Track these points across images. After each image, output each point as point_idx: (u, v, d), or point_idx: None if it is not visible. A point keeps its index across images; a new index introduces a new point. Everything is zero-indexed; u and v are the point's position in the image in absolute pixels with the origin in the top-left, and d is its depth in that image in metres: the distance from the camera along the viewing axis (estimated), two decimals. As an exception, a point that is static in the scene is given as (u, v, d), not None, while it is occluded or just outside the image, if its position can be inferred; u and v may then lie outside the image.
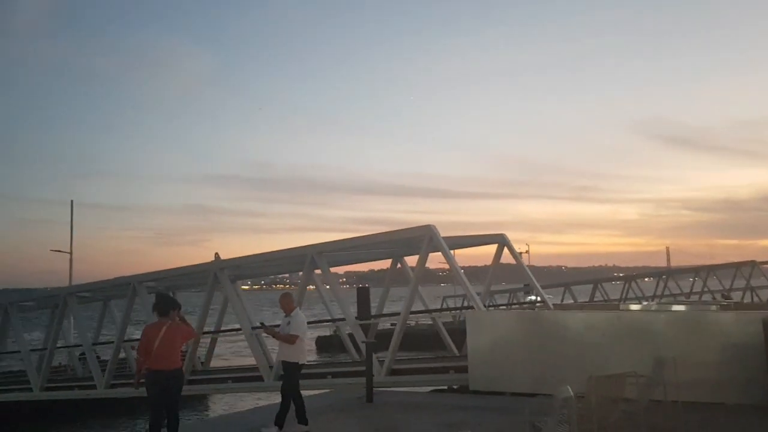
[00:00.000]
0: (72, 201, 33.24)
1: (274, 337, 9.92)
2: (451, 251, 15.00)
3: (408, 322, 14.19)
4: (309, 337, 9.88)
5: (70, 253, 32.23)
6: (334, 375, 13.84)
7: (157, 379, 7.51)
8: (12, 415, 20.72)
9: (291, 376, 9.21)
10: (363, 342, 11.59)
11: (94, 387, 16.85)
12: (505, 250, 15.57)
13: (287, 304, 9.40)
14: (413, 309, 14.46)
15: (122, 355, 19.88)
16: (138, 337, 9.75)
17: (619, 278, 44.30)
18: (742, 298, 36.06)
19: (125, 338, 17.44)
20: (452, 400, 11.68)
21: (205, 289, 15.80)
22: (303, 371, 9.43)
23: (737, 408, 9.26)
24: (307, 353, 9.50)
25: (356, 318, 14.36)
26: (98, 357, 18.32)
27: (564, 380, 10.02)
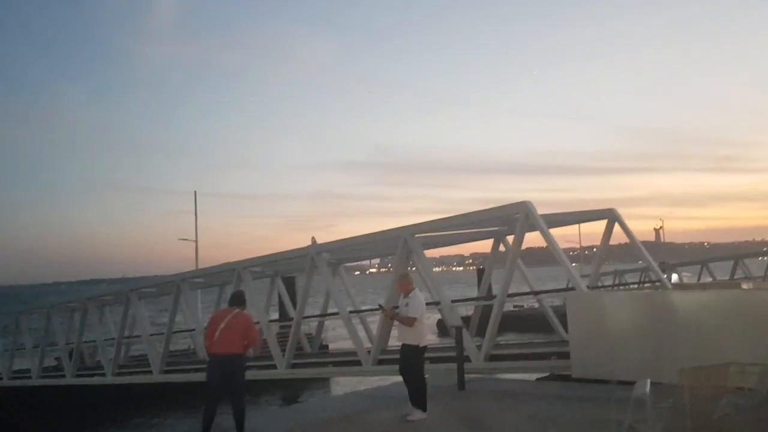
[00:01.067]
0: (195, 192, 34.70)
1: (392, 319, 9.66)
2: (554, 228, 14.18)
3: (519, 305, 13.45)
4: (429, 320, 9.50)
5: (196, 241, 33.72)
6: (432, 360, 13.34)
7: (214, 364, 7.41)
8: (135, 397, 21.90)
9: (411, 359, 8.86)
10: (452, 327, 11.00)
11: (275, 367, 15.75)
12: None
13: (405, 285, 9.03)
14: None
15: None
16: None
17: (765, 253, 40.49)
18: None
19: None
20: (550, 388, 10.87)
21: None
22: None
23: None
24: (427, 335, 9.08)
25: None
26: None
27: (674, 366, 9.25)
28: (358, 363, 14.10)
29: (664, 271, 47.08)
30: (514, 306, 40.66)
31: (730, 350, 8.36)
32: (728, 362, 6.18)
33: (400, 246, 13.59)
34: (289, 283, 27.25)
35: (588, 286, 13.52)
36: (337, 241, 15.29)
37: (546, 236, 11.80)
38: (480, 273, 15.71)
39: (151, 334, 19.55)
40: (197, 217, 34.11)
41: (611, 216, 14.26)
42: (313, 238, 15.33)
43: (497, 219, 13.37)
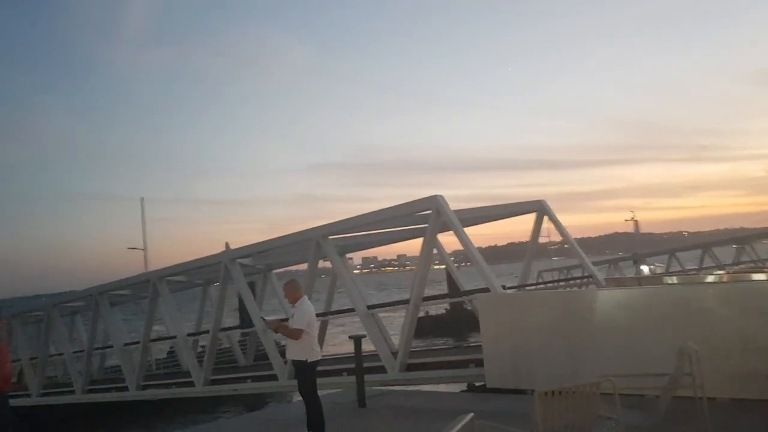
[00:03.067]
0: (142, 199, 33.54)
1: (276, 331, 8.60)
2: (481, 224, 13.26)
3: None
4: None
5: (144, 249, 32.51)
6: (350, 372, 12.27)
7: None
8: (112, 413, 19.30)
9: (301, 376, 7.81)
10: (351, 337, 9.94)
11: (192, 384, 14.82)
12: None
13: (292, 293, 7.96)
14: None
15: (226, 344, 19.08)
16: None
17: (732, 241, 39.78)
18: None
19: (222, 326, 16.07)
20: (462, 402, 9.81)
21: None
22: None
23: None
24: (317, 348, 7.96)
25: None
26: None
27: (595, 374, 8.29)
28: (275, 378, 13.04)
29: (635, 262, 46.73)
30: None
31: (655, 355, 7.46)
32: (602, 377, 5.15)
33: (312, 249, 12.54)
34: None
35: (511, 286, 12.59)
36: (251, 245, 14.15)
37: (458, 232, 10.78)
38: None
39: (127, 344, 17.45)
40: (144, 225, 32.92)
41: (540, 208, 13.28)
42: (226, 243, 14.21)
43: (418, 216, 12.30)
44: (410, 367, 11.22)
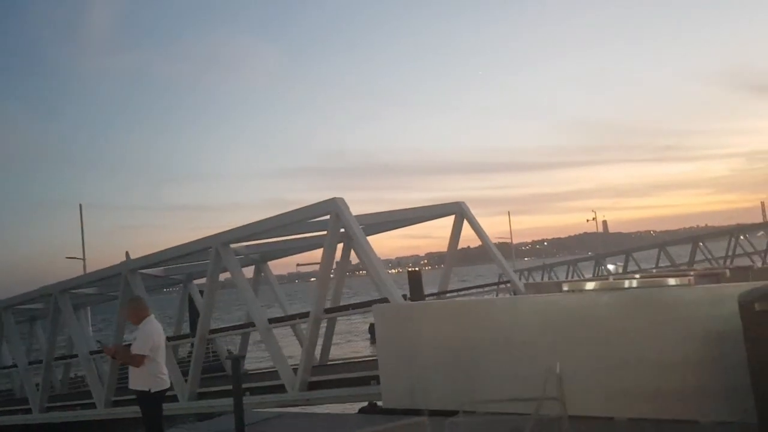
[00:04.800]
0: (81, 205, 32.19)
1: (113, 358, 7.63)
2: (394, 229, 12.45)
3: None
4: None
5: (83, 258, 31.21)
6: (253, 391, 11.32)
7: None
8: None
9: (144, 409, 6.86)
10: (228, 357, 9.04)
11: (93, 406, 13.57)
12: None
13: (135, 312, 7.02)
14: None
15: None
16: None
17: (687, 240, 39.68)
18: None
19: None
20: (353, 425, 8.94)
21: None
22: None
23: (714, 428, 6.26)
24: (163, 376, 6.98)
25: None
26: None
27: (493, 393, 7.59)
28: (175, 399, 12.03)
29: (596, 263, 46.42)
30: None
31: (537, 367, 6.67)
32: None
33: (211, 259, 11.59)
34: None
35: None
36: (150, 255, 13.11)
37: (356, 238, 9.93)
38: (411, 276, 13.93)
39: (94, 352, 14.78)
40: (83, 232, 31.58)
41: (459, 211, 12.49)
42: (126, 252, 13.19)
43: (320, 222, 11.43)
44: (312, 386, 10.31)
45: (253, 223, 11.39)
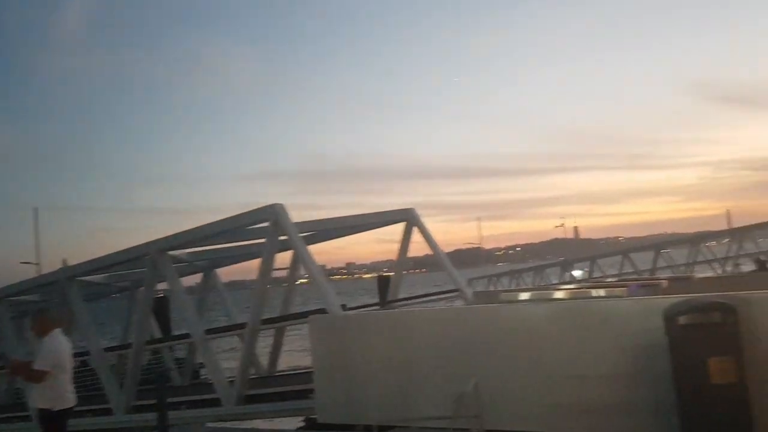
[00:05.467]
0: (36, 209, 31.42)
1: (15, 374, 7.20)
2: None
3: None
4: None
5: (37, 263, 30.46)
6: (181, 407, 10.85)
7: None
8: None
9: (43, 427, 6.48)
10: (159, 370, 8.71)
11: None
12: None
13: (39, 326, 6.62)
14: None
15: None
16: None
17: (650, 247, 40.06)
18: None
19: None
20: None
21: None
22: None
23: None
24: (68, 394, 6.60)
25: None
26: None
27: (426, 408, 7.37)
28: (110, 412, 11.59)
29: (563, 269, 46.60)
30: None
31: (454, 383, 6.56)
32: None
33: (148, 267, 11.21)
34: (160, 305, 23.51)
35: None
36: (88, 261, 12.58)
37: (296, 245, 9.64)
38: (380, 282, 13.59)
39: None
40: (38, 236, 30.83)
41: (409, 218, 12.25)
42: (64, 260, 12.73)
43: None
44: (248, 399, 9.97)
45: (191, 229, 11.02)
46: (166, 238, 11.13)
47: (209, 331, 11.05)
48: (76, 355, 13.26)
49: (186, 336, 11.35)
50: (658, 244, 39.98)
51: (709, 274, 31.09)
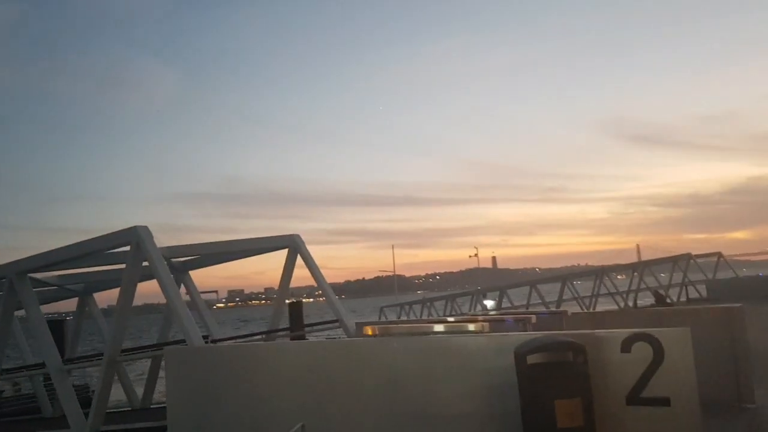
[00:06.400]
0: None
1: None
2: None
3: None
4: None
5: None
6: None
7: None
8: None
9: None
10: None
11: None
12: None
13: None
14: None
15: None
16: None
17: (555, 279, 40.86)
18: (678, 295, 33.53)
19: None
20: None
21: None
22: None
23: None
24: None
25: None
26: None
27: None
28: None
29: (473, 298, 46.89)
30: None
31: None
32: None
33: (5, 290, 10.32)
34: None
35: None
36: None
37: (157, 271, 9.00)
38: (292, 308, 12.76)
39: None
40: None
41: (292, 244, 11.79)
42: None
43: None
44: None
45: (51, 250, 10.21)
46: (26, 260, 10.30)
47: (68, 362, 10.21)
48: None
49: (41, 365, 10.44)
50: (565, 275, 40.82)
51: (578, 309, 31.71)
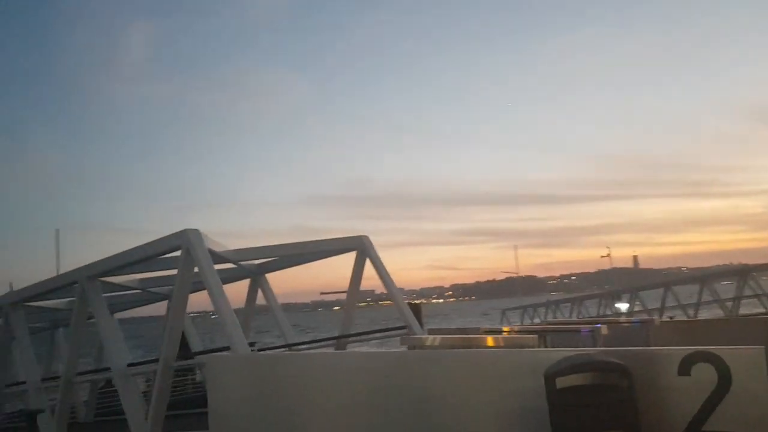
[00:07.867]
0: (57, 230, 31.31)
1: None
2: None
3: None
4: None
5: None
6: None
7: None
8: None
9: None
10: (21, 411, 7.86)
11: None
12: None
13: None
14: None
15: None
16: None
17: (692, 280, 37.55)
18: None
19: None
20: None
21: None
22: None
23: None
24: None
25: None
26: None
27: None
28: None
29: (603, 301, 44.42)
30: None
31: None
32: None
33: (77, 297, 10.47)
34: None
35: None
36: (20, 290, 11.85)
37: (205, 278, 8.68)
38: (412, 308, 12.65)
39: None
40: (59, 258, 30.75)
41: (360, 246, 11.20)
42: (10, 283, 12.15)
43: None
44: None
45: (121, 253, 10.18)
46: (98, 263, 10.39)
47: (132, 365, 10.18)
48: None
49: (106, 370, 10.50)
50: (702, 276, 37.43)
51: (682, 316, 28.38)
